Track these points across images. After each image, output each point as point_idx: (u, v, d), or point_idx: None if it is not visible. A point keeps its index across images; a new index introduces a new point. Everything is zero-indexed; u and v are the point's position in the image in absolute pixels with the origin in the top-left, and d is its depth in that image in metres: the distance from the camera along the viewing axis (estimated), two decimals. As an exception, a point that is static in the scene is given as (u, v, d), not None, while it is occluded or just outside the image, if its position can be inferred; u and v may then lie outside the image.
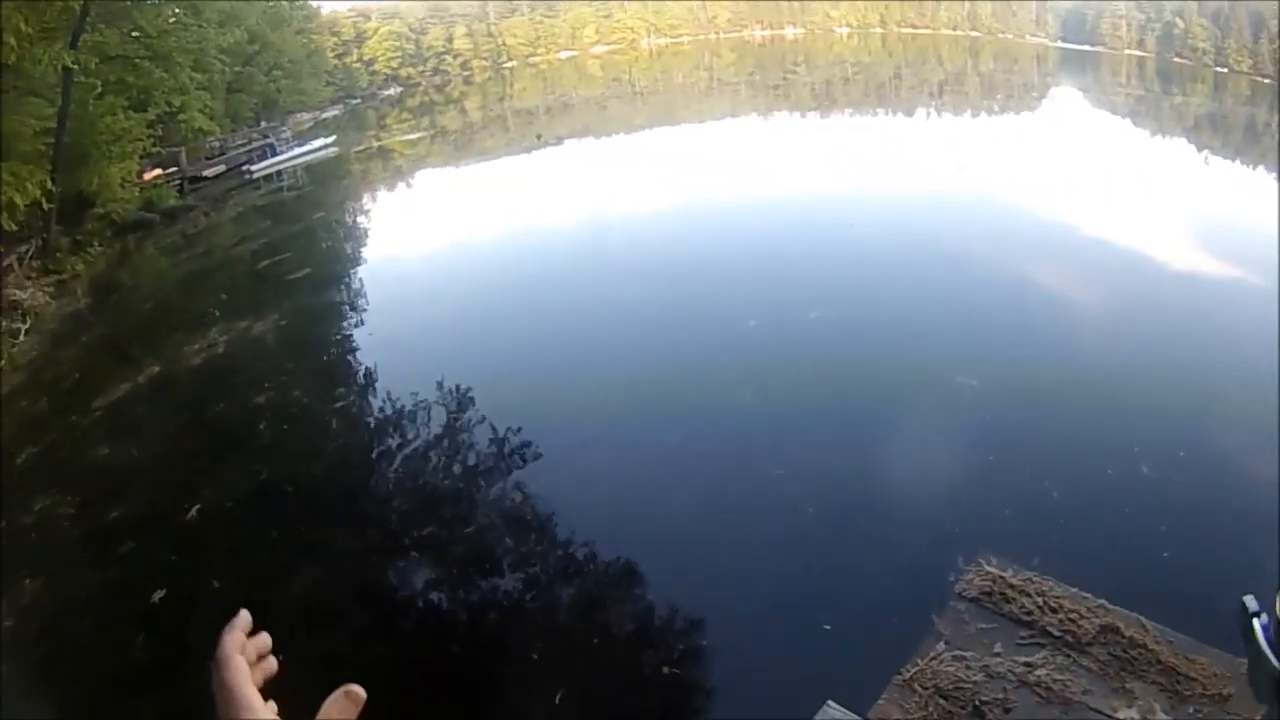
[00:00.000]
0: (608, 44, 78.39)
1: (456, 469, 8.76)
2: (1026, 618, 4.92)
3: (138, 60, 21.03)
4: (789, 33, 79.63)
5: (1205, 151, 28.31)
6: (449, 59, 72.14)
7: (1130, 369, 9.89)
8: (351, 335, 13.49)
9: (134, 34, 21.16)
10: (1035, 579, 5.21)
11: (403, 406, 10.01)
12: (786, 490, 7.62)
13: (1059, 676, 4.51)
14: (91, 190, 19.81)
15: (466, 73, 71.89)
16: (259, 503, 8.33)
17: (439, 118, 49.29)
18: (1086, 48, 64.96)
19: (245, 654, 0.78)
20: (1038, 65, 59.85)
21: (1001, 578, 5.21)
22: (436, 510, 8.07)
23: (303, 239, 21.16)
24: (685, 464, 8.44)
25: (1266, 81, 45.81)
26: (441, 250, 18.87)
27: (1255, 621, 3.69)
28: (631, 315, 12.69)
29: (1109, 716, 4.26)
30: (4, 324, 14.30)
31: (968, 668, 4.62)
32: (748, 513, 7.37)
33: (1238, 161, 26.62)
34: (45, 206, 16.74)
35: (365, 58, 65.89)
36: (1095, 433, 8.34)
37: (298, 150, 33.20)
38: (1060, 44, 68.52)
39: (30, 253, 17.68)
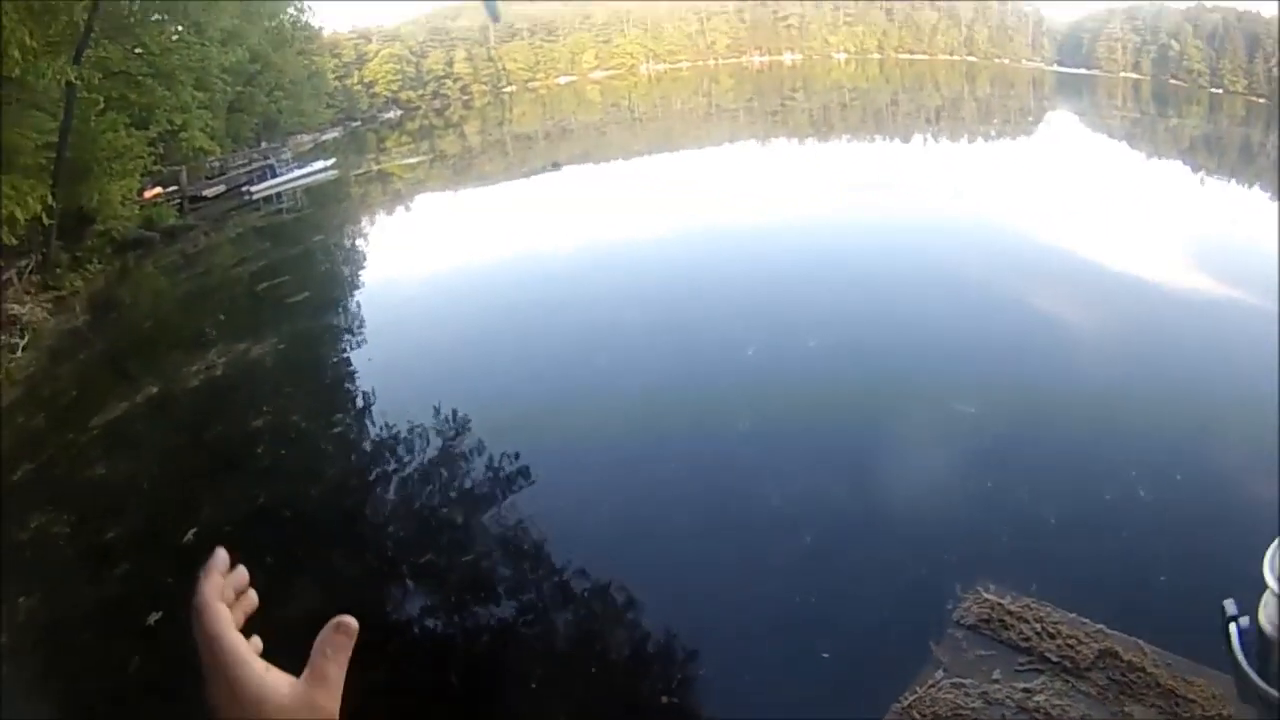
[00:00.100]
0: (607, 69, 79.20)
1: (453, 494, 8.73)
2: (1025, 644, 4.93)
3: (140, 77, 21.25)
4: (787, 59, 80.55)
5: (1201, 172, 28.56)
6: (449, 83, 72.87)
7: (1128, 391, 9.90)
8: (349, 359, 13.48)
9: (137, 50, 21.40)
10: (1033, 605, 5.22)
11: (399, 431, 9.98)
12: (784, 516, 7.60)
13: (1058, 702, 4.51)
14: (92, 206, 19.84)
15: (466, 97, 72.58)
16: (257, 525, 8.28)
17: (439, 142, 49.54)
18: (1082, 71, 65.80)
19: (224, 596, 0.75)
20: (1034, 89, 60.52)
21: (999, 604, 5.22)
22: (435, 536, 8.04)
23: (302, 261, 21.16)
24: (684, 489, 8.41)
25: (1262, 101, 46.38)
26: (440, 274, 18.87)
27: (1232, 626, 3.67)
28: (630, 342, 12.66)
29: (1108, 743, 4.25)
30: (2, 339, 14.32)
31: (966, 695, 4.62)
32: (746, 540, 7.34)
33: (1234, 182, 26.84)
34: (45, 222, 16.75)
35: (366, 80, 66.64)
36: (1093, 456, 8.33)
37: (298, 172, 33.25)
38: (1056, 68, 69.45)
39: (30, 268, 17.72)
